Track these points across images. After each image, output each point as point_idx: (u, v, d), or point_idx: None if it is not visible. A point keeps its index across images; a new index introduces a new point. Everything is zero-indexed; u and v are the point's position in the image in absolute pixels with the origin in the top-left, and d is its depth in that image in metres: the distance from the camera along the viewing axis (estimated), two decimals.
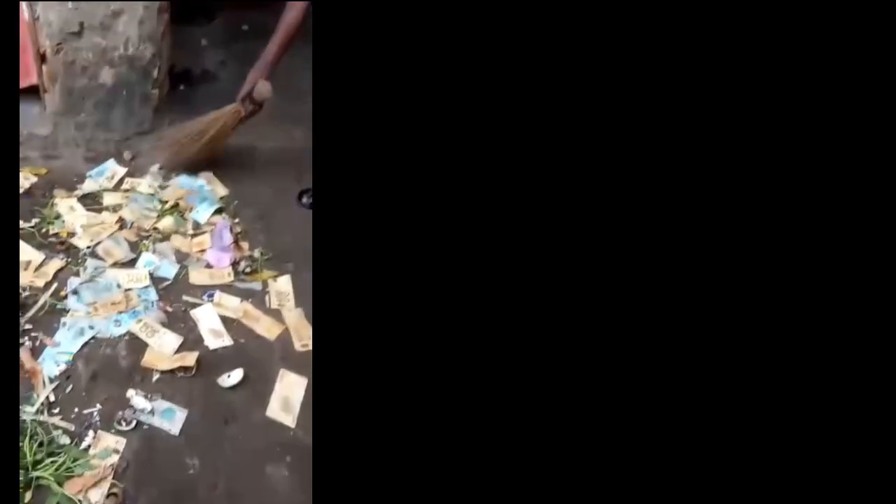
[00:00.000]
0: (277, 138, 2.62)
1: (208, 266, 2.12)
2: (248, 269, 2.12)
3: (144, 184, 2.41)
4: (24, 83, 2.49)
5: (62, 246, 2.10)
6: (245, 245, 2.21)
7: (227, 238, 2.18)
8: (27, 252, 2.02)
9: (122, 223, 2.23)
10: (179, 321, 1.90)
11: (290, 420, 1.67)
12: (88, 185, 2.38)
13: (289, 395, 1.73)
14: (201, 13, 3.19)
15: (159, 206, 2.31)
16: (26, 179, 2.33)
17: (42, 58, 2.40)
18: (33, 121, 2.50)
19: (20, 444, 1.48)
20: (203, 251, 2.17)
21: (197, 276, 2.07)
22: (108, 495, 1.43)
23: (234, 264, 2.12)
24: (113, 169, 2.46)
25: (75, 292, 1.92)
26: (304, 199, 2.44)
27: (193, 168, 2.44)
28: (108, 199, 2.32)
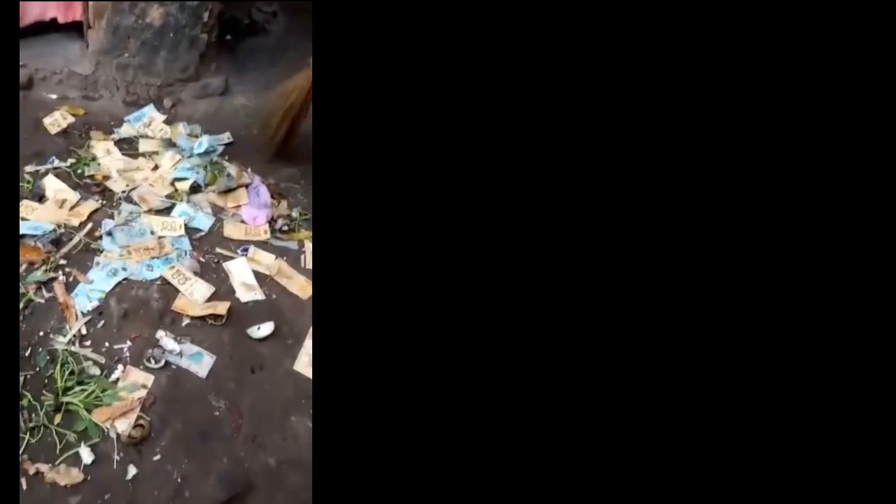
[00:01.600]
0: None
1: (243, 222, 2.38)
2: (284, 228, 2.37)
3: (182, 132, 2.69)
4: (67, 18, 2.77)
5: (98, 188, 2.38)
6: (283, 203, 2.47)
7: (265, 194, 2.44)
8: (63, 191, 2.31)
9: (158, 171, 2.51)
10: (212, 272, 2.15)
11: None
12: (126, 130, 2.67)
13: None
14: None
15: (197, 159, 2.59)
16: (64, 119, 2.63)
17: None
18: (75, 58, 2.79)
19: (52, 371, 1.75)
20: (238, 207, 2.43)
21: (232, 230, 2.33)
22: (135, 426, 1.69)
23: (271, 221, 2.38)
24: (151, 115, 2.75)
25: (109, 234, 2.20)
26: None
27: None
28: (145, 146, 2.62)
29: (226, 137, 2.68)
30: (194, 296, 2.05)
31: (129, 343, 1.87)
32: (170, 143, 2.64)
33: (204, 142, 2.64)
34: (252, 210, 2.41)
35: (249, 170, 2.54)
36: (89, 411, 1.70)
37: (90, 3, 2.70)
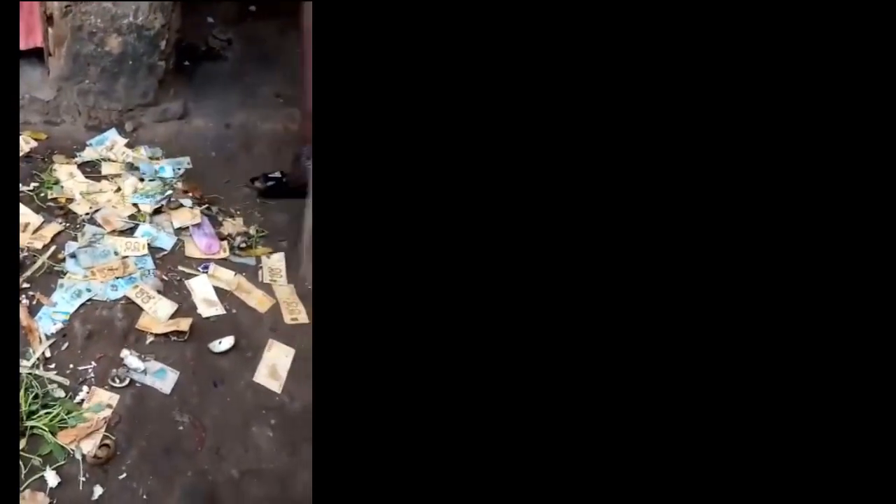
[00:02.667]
0: (277, 119, 2.63)
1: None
2: (242, 245, 2.13)
3: (143, 156, 2.41)
4: (28, 44, 2.44)
5: (61, 211, 2.10)
6: (240, 220, 2.23)
7: (208, 226, 2.17)
8: (26, 214, 2.02)
9: (121, 193, 2.23)
10: (174, 290, 1.91)
11: (276, 386, 1.70)
12: (88, 153, 2.37)
13: (276, 364, 1.76)
14: None
15: (158, 181, 2.32)
16: (26, 143, 2.32)
17: (49, 20, 2.35)
18: (36, 84, 2.46)
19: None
20: (199, 225, 2.18)
21: (193, 249, 2.08)
22: (101, 446, 1.46)
23: (229, 238, 2.14)
24: (113, 139, 2.46)
25: (73, 256, 1.93)
26: (257, 184, 2.35)
27: None
28: (108, 169, 2.32)
29: (186, 162, 2.40)
30: (158, 313, 1.81)
31: (93, 364, 1.63)
32: (132, 167, 2.35)
33: (166, 167, 2.36)
34: (204, 239, 2.13)
35: (199, 210, 2.23)
36: (54, 434, 1.46)
37: (50, 30, 2.39)
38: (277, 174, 2.35)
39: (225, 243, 2.13)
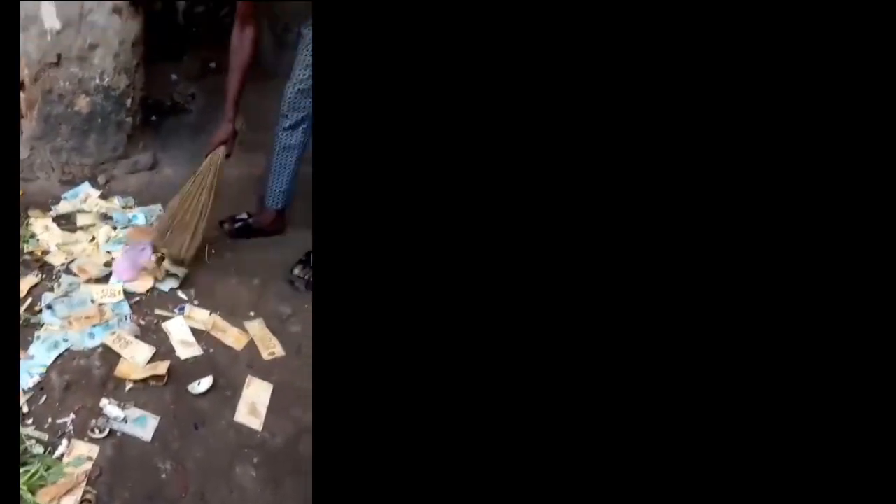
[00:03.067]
0: (241, 164, 2.56)
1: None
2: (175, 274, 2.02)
3: (116, 205, 2.32)
4: None
5: (37, 263, 1.99)
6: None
7: (147, 256, 2.02)
8: None
9: (95, 242, 2.13)
10: (152, 333, 1.82)
11: (257, 424, 1.62)
12: (63, 207, 2.27)
13: (255, 401, 1.68)
14: (173, 50, 3.15)
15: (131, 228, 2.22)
16: None
17: (20, 86, 2.28)
18: None
19: None
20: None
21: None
22: (82, 501, 1.36)
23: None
24: (87, 192, 2.36)
25: (49, 307, 1.83)
26: (226, 226, 2.27)
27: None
28: (82, 220, 2.23)
29: (157, 209, 2.32)
30: (136, 359, 1.72)
31: (72, 416, 1.53)
32: (106, 217, 2.26)
33: (139, 215, 2.28)
34: (125, 266, 2.00)
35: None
36: (34, 493, 1.35)
37: (22, 94, 2.31)
38: (244, 216, 2.29)
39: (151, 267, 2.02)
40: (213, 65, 3.21)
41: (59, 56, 2.25)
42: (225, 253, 2.19)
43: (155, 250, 2.02)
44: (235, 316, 1.94)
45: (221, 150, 2.05)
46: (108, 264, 2.04)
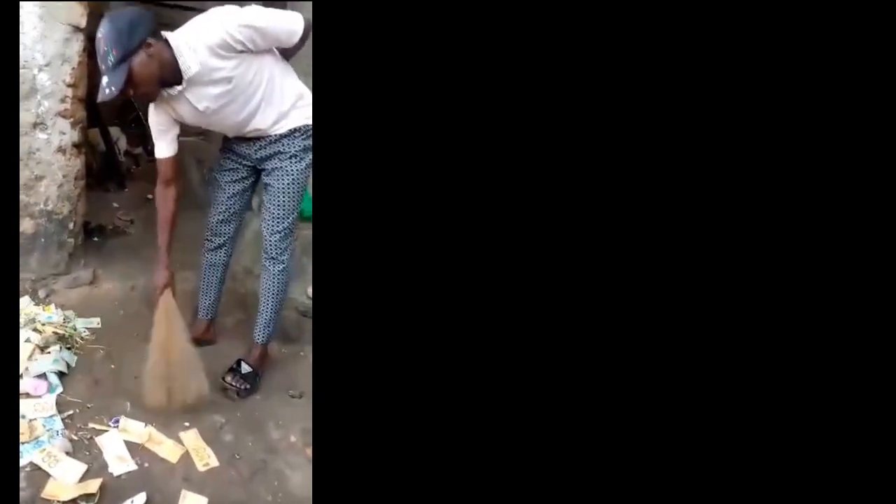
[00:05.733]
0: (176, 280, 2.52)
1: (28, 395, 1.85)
2: None
3: (54, 316, 2.21)
4: None
5: None
6: None
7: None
8: None
9: (31, 355, 2.00)
10: (84, 449, 1.71)
11: None
12: None
13: None
14: (114, 182, 3.34)
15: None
16: None
17: None
18: None
19: None
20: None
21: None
22: None
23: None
24: (23, 306, 2.24)
25: None
26: None
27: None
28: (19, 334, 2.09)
29: (95, 322, 2.23)
30: (66, 478, 1.59)
31: None
32: (36, 330, 2.13)
33: (77, 324, 2.18)
34: (33, 381, 1.89)
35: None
36: None
37: None
38: None
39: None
40: (150, 196, 3.38)
41: None
42: None
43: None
44: (170, 427, 1.86)
45: (167, 294, 1.96)
46: (40, 376, 1.90)
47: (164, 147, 1.86)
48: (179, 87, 1.68)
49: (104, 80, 1.56)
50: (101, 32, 1.54)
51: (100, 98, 1.60)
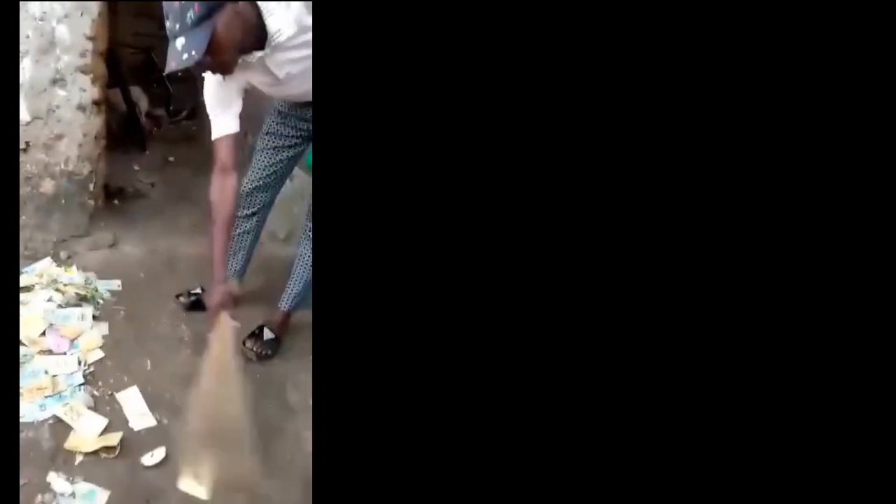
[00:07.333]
0: (195, 245, 2.43)
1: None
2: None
3: (76, 277, 2.15)
4: None
5: None
6: None
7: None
8: None
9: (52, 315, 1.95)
10: (105, 404, 1.66)
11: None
12: (23, 280, 2.08)
13: None
14: (135, 145, 3.20)
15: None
16: None
17: None
18: None
19: None
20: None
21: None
22: None
23: None
24: (45, 267, 2.18)
25: None
26: (181, 300, 2.13)
27: None
28: (41, 294, 2.03)
29: (115, 284, 2.17)
30: (87, 431, 1.55)
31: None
32: (58, 290, 2.07)
33: (99, 286, 2.12)
34: (55, 338, 1.84)
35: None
36: None
37: None
38: (198, 290, 2.19)
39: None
40: (171, 158, 3.30)
41: (27, 143, 2.17)
42: (180, 324, 2.06)
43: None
44: (190, 385, 1.80)
45: (226, 319, 1.46)
46: (43, 334, 1.84)
47: (225, 124, 1.45)
48: (260, 54, 1.29)
49: (178, 42, 1.16)
50: None
51: (173, 66, 1.17)
